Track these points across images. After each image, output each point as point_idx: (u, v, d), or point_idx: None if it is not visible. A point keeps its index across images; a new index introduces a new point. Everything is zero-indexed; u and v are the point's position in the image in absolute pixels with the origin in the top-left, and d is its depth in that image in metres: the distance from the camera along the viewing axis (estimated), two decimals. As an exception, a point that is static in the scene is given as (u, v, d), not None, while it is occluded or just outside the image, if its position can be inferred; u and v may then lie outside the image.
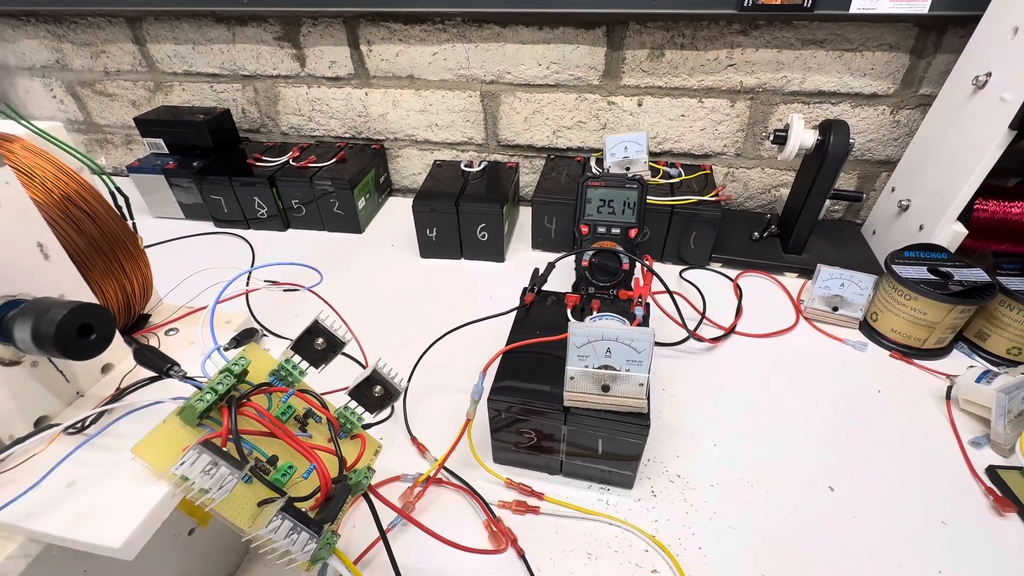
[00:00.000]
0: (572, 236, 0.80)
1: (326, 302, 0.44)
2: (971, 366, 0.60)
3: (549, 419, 0.46)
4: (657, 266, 0.78)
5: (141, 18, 0.93)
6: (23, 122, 0.33)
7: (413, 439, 0.53)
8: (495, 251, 0.80)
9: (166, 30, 0.93)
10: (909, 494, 0.48)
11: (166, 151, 0.93)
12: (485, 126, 0.93)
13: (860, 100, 0.79)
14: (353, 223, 0.88)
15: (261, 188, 0.85)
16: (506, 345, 0.50)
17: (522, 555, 0.44)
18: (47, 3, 0.90)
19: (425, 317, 0.69)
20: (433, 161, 0.92)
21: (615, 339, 0.42)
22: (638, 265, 0.60)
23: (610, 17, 0.78)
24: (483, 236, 0.78)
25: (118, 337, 0.36)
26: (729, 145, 0.86)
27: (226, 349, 0.35)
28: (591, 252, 0.61)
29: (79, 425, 0.30)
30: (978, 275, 0.60)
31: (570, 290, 0.58)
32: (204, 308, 0.42)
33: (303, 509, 0.28)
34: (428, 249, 0.81)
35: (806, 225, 0.74)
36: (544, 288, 0.57)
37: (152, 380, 0.33)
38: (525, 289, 0.57)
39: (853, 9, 0.68)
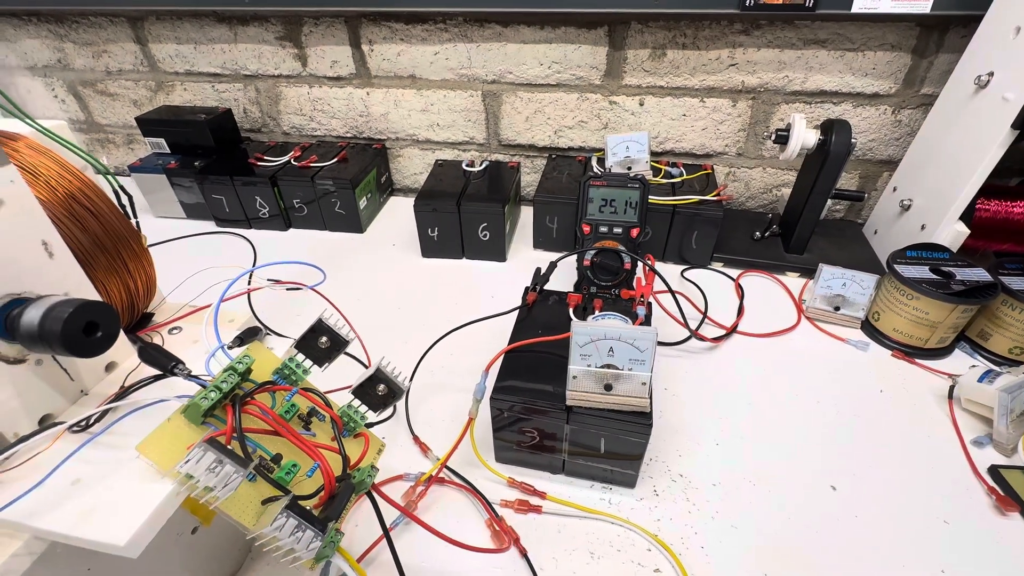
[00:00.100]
0: (573, 236, 0.80)
1: (329, 301, 0.44)
2: (973, 366, 0.60)
3: (551, 418, 0.46)
4: (659, 266, 0.78)
5: (143, 18, 0.93)
6: (28, 120, 0.34)
7: (415, 438, 0.53)
8: (497, 251, 0.80)
9: (168, 30, 0.93)
10: (911, 494, 0.49)
11: (168, 151, 0.93)
12: (487, 126, 0.93)
13: (862, 100, 0.79)
14: (355, 223, 0.88)
15: (263, 188, 0.85)
16: (508, 344, 0.50)
17: (524, 554, 0.44)
18: (49, 3, 0.90)
19: (427, 316, 0.69)
20: (435, 161, 0.92)
21: (618, 338, 0.42)
22: (640, 264, 0.60)
23: (612, 17, 0.78)
24: (485, 236, 0.79)
25: (122, 335, 0.36)
26: (731, 145, 0.86)
27: (230, 347, 0.35)
28: (593, 251, 0.62)
29: (83, 423, 0.30)
30: (980, 275, 0.60)
31: (572, 289, 0.58)
32: (207, 307, 0.42)
33: (307, 507, 0.28)
34: (430, 249, 0.81)
35: (808, 225, 0.74)
36: (546, 287, 0.57)
37: (156, 378, 0.33)
38: (527, 288, 0.57)
39: (855, 9, 0.68)
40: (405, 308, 0.72)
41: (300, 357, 0.34)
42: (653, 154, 0.89)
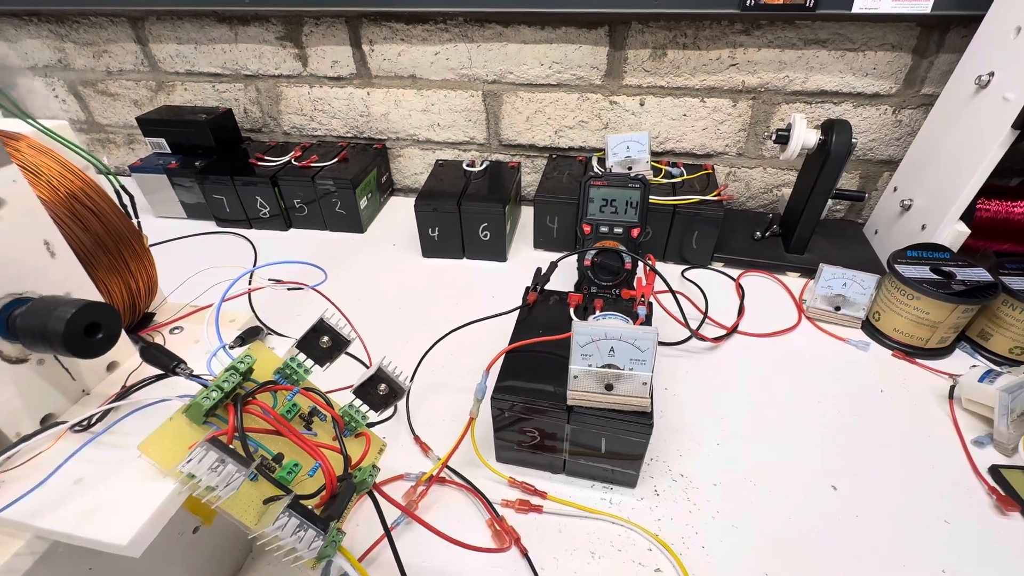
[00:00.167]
0: (574, 236, 0.80)
1: (330, 301, 0.44)
2: (974, 366, 0.60)
3: (552, 418, 0.46)
4: (659, 265, 0.78)
5: (143, 18, 0.93)
6: (30, 120, 0.34)
7: (416, 438, 0.53)
8: (497, 251, 0.80)
9: (168, 30, 0.93)
10: (912, 493, 0.49)
11: (168, 151, 0.93)
12: (487, 126, 0.93)
13: (862, 100, 0.79)
14: (355, 223, 0.88)
15: (263, 188, 0.85)
16: (509, 344, 0.50)
17: (525, 554, 0.44)
18: (50, 3, 0.90)
19: (427, 316, 0.69)
20: (435, 161, 0.92)
21: (619, 338, 0.42)
22: (640, 264, 0.60)
23: (612, 17, 0.78)
24: (485, 236, 0.79)
25: (124, 336, 0.36)
26: (731, 145, 0.86)
27: (231, 347, 0.35)
28: (594, 251, 0.62)
29: (85, 423, 0.30)
30: (981, 275, 0.60)
31: (572, 289, 0.58)
32: (208, 307, 0.42)
33: (309, 507, 0.28)
34: (430, 248, 0.81)
35: (808, 225, 0.74)
36: (547, 287, 0.57)
37: (158, 378, 0.33)
38: (528, 288, 0.57)
39: (855, 9, 0.68)
40: (406, 308, 0.72)
41: (301, 357, 0.34)
42: (654, 154, 0.89)
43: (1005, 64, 0.59)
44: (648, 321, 0.52)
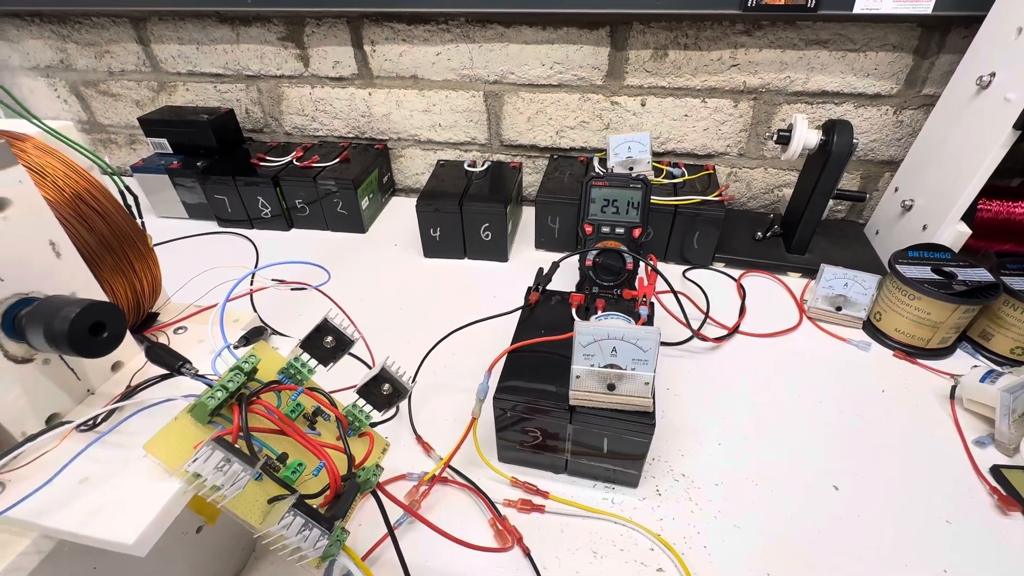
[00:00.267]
0: (575, 236, 0.80)
1: (334, 301, 0.44)
2: (975, 366, 0.60)
3: (554, 418, 0.46)
4: (660, 266, 0.78)
5: (145, 18, 0.93)
6: (35, 121, 0.34)
7: (418, 438, 0.53)
8: (498, 251, 0.80)
9: (170, 30, 0.93)
10: (913, 493, 0.49)
11: (170, 151, 0.93)
12: (488, 126, 0.93)
13: (863, 100, 0.79)
14: (357, 223, 0.88)
15: (265, 188, 0.85)
16: (511, 344, 0.50)
17: (528, 553, 0.44)
18: (51, 3, 0.91)
19: (428, 317, 0.70)
20: (436, 161, 0.92)
21: (621, 338, 0.42)
22: (642, 265, 0.60)
23: (614, 17, 0.78)
24: (487, 236, 0.79)
25: (128, 335, 0.36)
26: (732, 145, 0.86)
27: (236, 347, 0.35)
28: (595, 252, 0.62)
29: (91, 422, 0.31)
30: (982, 275, 0.60)
31: (574, 290, 0.58)
32: (212, 307, 0.42)
33: (313, 506, 0.28)
34: (431, 249, 0.82)
35: (809, 225, 0.74)
36: (548, 287, 0.58)
37: (163, 378, 0.33)
38: (530, 288, 0.57)
39: (857, 9, 0.68)
40: (407, 308, 0.72)
41: (305, 357, 0.34)
42: (655, 154, 0.89)
43: (1006, 65, 0.59)
44: (650, 321, 0.52)
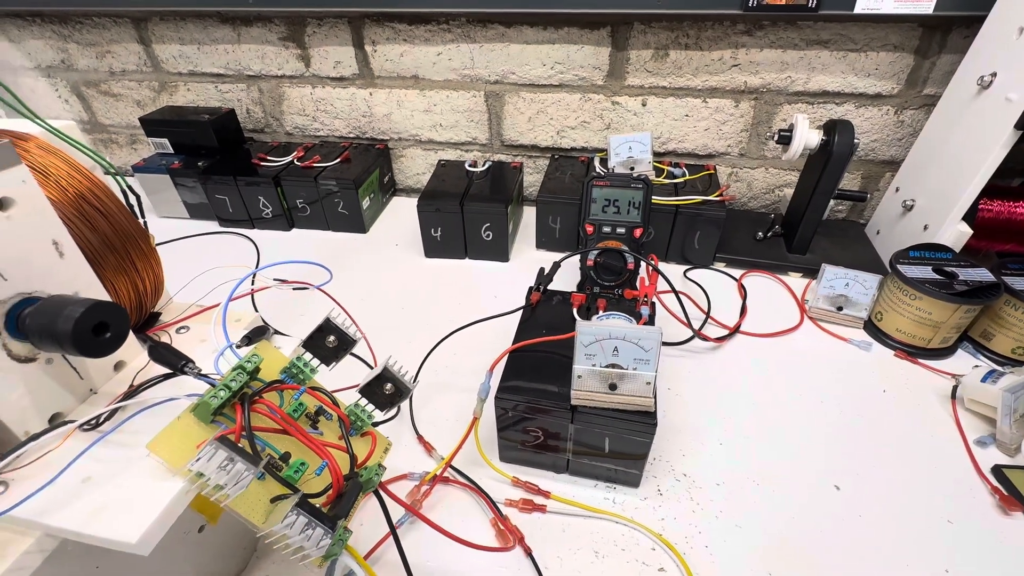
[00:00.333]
0: (576, 236, 0.80)
1: (336, 301, 0.44)
2: (976, 366, 0.60)
3: (556, 418, 0.46)
4: (662, 266, 0.78)
5: (146, 18, 0.93)
6: (38, 121, 0.34)
7: (420, 438, 0.53)
8: (499, 251, 0.80)
9: (171, 30, 0.93)
10: (915, 493, 0.49)
11: (171, 151, 0.93)
12: (489, 126, 0.93)
13: (864, 100, 0.79)
14: (357, 223, 0.88)
15: (266, 188, 0.85)
16: (513, 344, 0.50)
17: (529, 553, 0.44)
18: (53, 3, 0.91)
19: (429, 316, 0.70)
20: (437, 161, 0.92)
21: (622, 338, 0.42)
22: (643, 265, 0.60)
23: (614, 17, 0.78)
24: (488, 236, 0.79)
25: (131, 335, 0.36)
26: (733, 145, 0.86)
27: (238, 347, 0.35)
28: (596, 251, 0.62)
29: (94, 421, 0.31)
30: (983, 275, 0.60)
31: (575, 290, 0.58)
32: (214, 307, 0.42)
33: (316, 505, 0.28)
34: (432, 249, 0.82)
35: (810, 225, 0.74)
36: (550, 287, 0.58)
37: (165, 377, 0.33)
38: (531, 288, 0.57)
39: (858, 9, 0.68)
40: (408, 308, 0.72)
41: (308, 356, 0.34)
42: (656, 154, 0.89)
43: (1007, 65, 0.59)
44: (651, 321, 0.52)
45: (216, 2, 0.85)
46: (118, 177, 0.37)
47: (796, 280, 0.76)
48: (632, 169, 0.72)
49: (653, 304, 0.54)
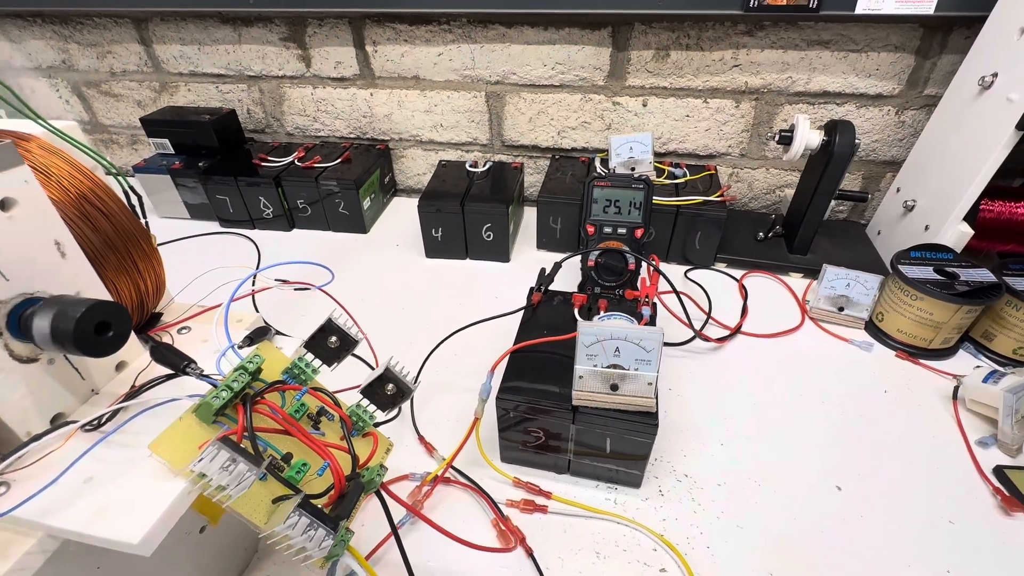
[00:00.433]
0: (577, 236, 0.80)
1: (337, 302, 0.44)
2: (977, 366, 0.60)
3: (557, 418, 0.46)
4: (663, 266, 0.78)
5: (147, 19, 0.93)
6: (40, 121, 0.34)
7: (421, 438, 0.53)
8: (500, 251, 0.80)
9: (172, 31, 0.93)
10: (916, 494, 0.49)
11: (172, 151, 0.93)
12: (490, 126, 0.93)
13: (865, 100, 0.79)
14: (358, 223, 0.88)
15: (266, 188, 0.85)
16: (514, 344, 0.50)
17: (530, 554, 0.44)
18: (53, 3, 0.91)
19: (430, 317, 0.70)
20: (438, 161, 0.92)
21: (624, 338, 0.42)
22: (644, 265, 0.60)
23: (615, 18, 0.78)
24: (488, 236, 0.79)
25: (133, 335, 0.36)
26: (734, 145, 0.86)
27: (240, 347, 0.35)
28: (597, 252, 0.62)
29: (95, 422, 0.31)
30: (984, 275, 0.60)
31: (576, 290, 0.58)
32: (216, 307, 0.42)
33: (318, 506, 0.28)
34: (433, 249, 0.82)
35: (811, 225, 0.74)
36: (550, 288, 0.58)
37: (167, 378, 0.33)
38: (532, 289, 0.57)
39: (859, 10, 0.68)
40: (409, 308, 0.72)
41: (309, 357, 0.34)
42: (657, 155, 0.89)
43: (1009, 65, 0.59)
44: (652, 321, 0.52)
45: (217, 2, 0.85)
46: (120, 177, 0.37)
47: (797, 280, 0.76)
48: (633, 169, 0.72)
49: (654, 304, 0.54)
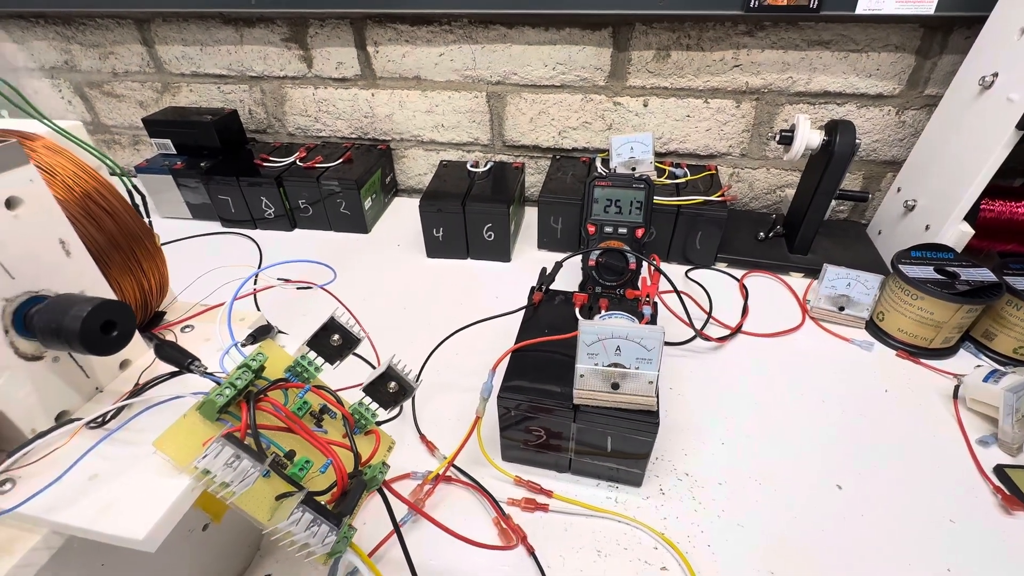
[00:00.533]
0: (578, 236, 0.81)
1: (339, 300, 0.44)
2: (978, 365, 0.60)
3: (558, 417, 0.46)
4: (663, 266, 0.78)
5: (149, 20, 0.93)
6: (46, 121, 0.34)
7: (422, 437, 0.54)
8: (501, 251, 0.80)
9: (174, 31, 0.93)
10: (917, 493, 0.49)
11: (174, 151, 0.93)
12: (491, 127, 0.93)
13: (866, 100, 0.79)
14: (359, 223, 0.88)
15: (268, 188, 0.85)
16: (515, 344, 0.50)
17: (532, 552, 0.44)
18: (56, 4, 0.91)
19: (431, 316, 0.70)
20: (439, 161, 0.92)
21: (625, 337, 0.42)
22: (645, 265, 0.60)
23: (616, 18, 0.78)
24: (489, 236, 0.79)
25: (137, 334, 0.36)
26: (735, 145, 0.87)
27: (243, 345, 0.36)
28: (598, 252, 0.62)
29: (100, 419, 0.31)
30: (985, 275, 0.60)
31: (577, 290, 0.58)
32: (218, 306, 0.42)
33: (321, 503, 0.28)
34: (434, 249, 0.82)
35: (812, 225, 0.74)
36: (551, 287, 0.58)
37: (171, 375, 0.33)
38: (533, 288, 0.57)
39: (859, 10, 0.68)
40: (410, 308, 0.73)
41: (312, 355, 0.34)
42: (657, 155, 0.89)
43: (1009, 65, 0.59)
44: (653, 321, 0.52)
45: (218, 3, 0.86)
46: (124, 178, 0.37)
47: (798, 280, 0.76)
48: (634, 169, 0.72)
49: (655, 304, 0.55)
